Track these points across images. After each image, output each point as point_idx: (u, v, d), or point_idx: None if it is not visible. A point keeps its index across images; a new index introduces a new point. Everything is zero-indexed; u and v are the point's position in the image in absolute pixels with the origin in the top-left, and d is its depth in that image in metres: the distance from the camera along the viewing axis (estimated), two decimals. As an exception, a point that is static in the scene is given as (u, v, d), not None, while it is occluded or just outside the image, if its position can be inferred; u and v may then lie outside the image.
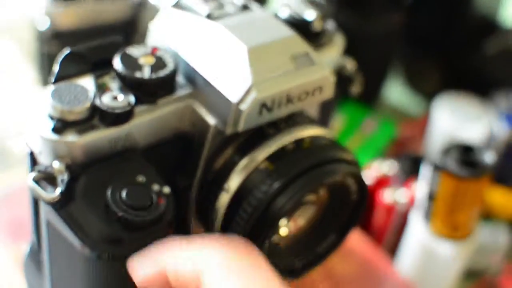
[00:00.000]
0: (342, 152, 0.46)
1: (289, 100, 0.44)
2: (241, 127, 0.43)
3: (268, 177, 0.43)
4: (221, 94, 0.43)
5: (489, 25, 0.92)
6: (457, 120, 0.81)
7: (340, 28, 0.54)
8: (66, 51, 0.45)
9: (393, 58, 0.93)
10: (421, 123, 0.89)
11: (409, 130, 0.88)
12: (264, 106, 0.43)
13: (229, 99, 0.43)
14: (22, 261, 0.52)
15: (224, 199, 0.44)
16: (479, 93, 0.85)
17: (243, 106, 0.43)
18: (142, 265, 0.41)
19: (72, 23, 0.71)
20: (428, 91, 0.93)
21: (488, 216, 0.74)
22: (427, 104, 0.92)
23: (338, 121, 0.85)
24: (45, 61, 0.73)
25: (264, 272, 0.39)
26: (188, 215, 0.47)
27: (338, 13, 0.79)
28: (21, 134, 0.77)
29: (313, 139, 0.45)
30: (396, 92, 0.97)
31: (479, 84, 0.87)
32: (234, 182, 0.44)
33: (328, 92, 0.46)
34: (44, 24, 0.71)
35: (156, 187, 0.42)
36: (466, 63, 0.90)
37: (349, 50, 0.55)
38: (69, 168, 0.42)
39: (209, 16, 0.46)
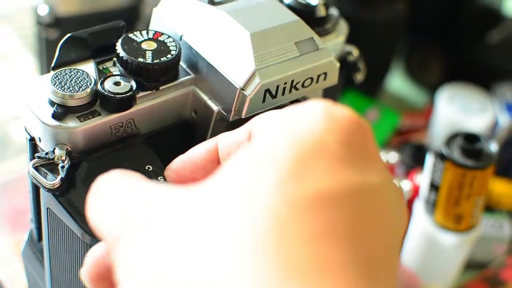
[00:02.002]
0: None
1: (293, 86, 0.44)
2: (244, 113, 0.43)
3: None
4: (225, 79, 0.43)
5: (492, 16, 0.92)
6: (460, 111, 0.80)
7: (343, 17, 0.54)
8: (67, 35, 0.44)
9: (396, 48, 0.92)
10: (424, 114, 0.89)
11: (412, 121, 0.88)
12: (268, 92, 0.43)
13: (234, 84, 0.42)
14: (21, 250, 0.51)
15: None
16: (482, 83, 0.85)
17: (247, 91, 0.42)
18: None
19: (72, 9, 0.71)
20: (431, 82, 0.92)
21: (491, 207, 0.74)
22: (430, 95, 0.92)
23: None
24: (45, 47, 0.73)
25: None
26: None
27: (341, 2, 0.78)
28: (21, 122, 0.77)
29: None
30: (399, 83, 0.96)
31: (482, 74, 0.87)
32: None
33: (333, 78, 0.46)
34: (43, 10, 0.70)
35: (158, 174, 0.41)
36: (470, 53, 0.89)
37: (352, 40, 0.54)
38: (69, 154, 0.41)
39: (212, 2, 0.45)
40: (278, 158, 0.29)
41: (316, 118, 0.31)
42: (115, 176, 0.34)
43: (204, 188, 0.30)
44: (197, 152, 0.38)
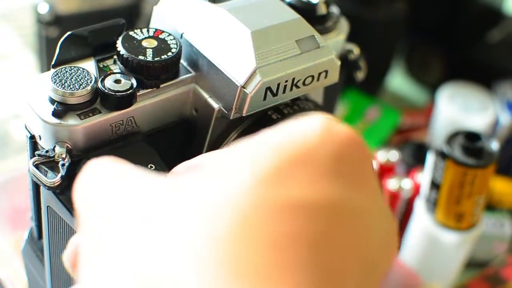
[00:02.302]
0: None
1: (294, 84, 0.44)
2: (245, 111, 0.43)
3: None
4: (226, 77, 0.42)
5: (493, 14, 0.92)
6: (461, 110, 0.80)
7: (344, 16, 0.54)
8: (67, 33, 0.44)
9: (397, 47, 0.92)
10: (425, 112, 0.89)
11: (412, 120, 0.88)
12: (269, 90, 0.43)
13: (235, 82, 0.42)
14: (21, 248, 0.51)
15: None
16: (483, 82, 0.85)
17: (248, 89, 0.42)
18: None
19: (72, 7, 0.71)
20: (431, 81, 0.92)
21: (492, 206, 0.74)
22: (430, 94, 0.92)
23: (342, 109, 0.84)
24: (45, 46, 0.73)
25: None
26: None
27: (342, 1, 0.78)
28: (21, 120, 0.77)
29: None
30: (399, 81, 0.96)
31: (483, 73, 0.87)
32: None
33: (334, 76, 0.46)
34: (43, 8, 0.70)
35: (160, 173, 0.41)
36: (470, 52, 0.89)
37: (352, 39, 0.54)
38: (70, 152, 0.41)
39: (212, 0, 0.45)
40: (261, 161, 0.28)
41: (313, 129, 0.30)
42: (105, 161, 0.33)
43: (182, 179, 0.29)
44: None
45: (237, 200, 0.27)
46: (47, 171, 0.41)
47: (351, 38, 0.54)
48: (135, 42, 0.44)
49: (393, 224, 0.31)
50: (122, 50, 0.43)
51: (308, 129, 0.30)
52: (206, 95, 0.44)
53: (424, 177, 0.65)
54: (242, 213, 0.27)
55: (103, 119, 0.42)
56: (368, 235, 0.29)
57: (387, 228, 0.30)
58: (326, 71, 0.45)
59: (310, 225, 0.27)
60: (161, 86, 0.44)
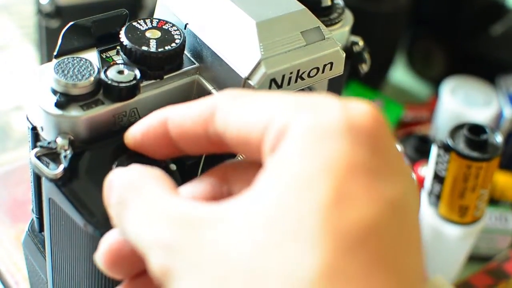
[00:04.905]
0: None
1: (299, 76, 0.43)
2: (250, 102, 0.42)
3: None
4: (231, 68, 0.42)
5: (496, 8, 0.91)
6: (464, 103, 0.80)
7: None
8: (70, 23, 0.43)
9: (399, 40, 0.92)
10: (428, 106, 0.88)
11: (415, 113, 0.87)
12: (273, 82, 0.42)
13: (239, 73, 0.42)
14: (21, 240, 0.51)
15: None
16: (486, 76, 0.84)
17: (253, 81, 0.41)
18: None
19: (74, -2, 0.70)
20: (434, 74, 0.92)
21: (496, 200, 0.73)
22: (433, 87, 0.91)
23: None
24: (45, 37, 0.72)
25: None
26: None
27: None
28: (22, 112, 0.77)
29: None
30: (402, 75, 0.96)
31: (486, 67, 0.86)
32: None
33: (339, 68, 0.45)
34: (44, -1, 0.70)
35: (162, 164, 0.40)
36: (473, 45, 0.89)
37: (355, 32, 0.54)
38: (72, 144, 0.41)
39: (217, -9, 0.45)
40: (313, 190, 0.29)
41: (339, 127, 0.30)
42: (144, 187, 0.34)
43: (240, 210, 0.30)
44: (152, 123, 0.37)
45: (314, 239, 0.28)
46: (49, 163, 0.40)
47: (354, 31, 0.54)
48: (138, 32, 0.43)
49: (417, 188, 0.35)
50: (125, 41, 0.43)
51: (334, 127, 0.31)
52: (210, 87, 0.44)
53: (427, 170, 0.65)
54: (324, 254, 0.28)
55: (106, 110, 0.41)
56: (415, 207, 0.31)
57: (417, 197, 0.33)
58: (331, 63, 0.45)
59: (383, 241, 0.29)
60: (165, 77, 0.43)
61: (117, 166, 0.39)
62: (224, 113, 0.34)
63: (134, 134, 0.38)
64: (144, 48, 0.42)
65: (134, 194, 0.34)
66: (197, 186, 0.37)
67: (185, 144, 0.36)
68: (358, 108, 0.31)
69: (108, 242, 0.35)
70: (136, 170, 0.35)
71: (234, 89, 0.37)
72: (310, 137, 0.30)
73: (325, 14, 0.50)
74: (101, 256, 0.35)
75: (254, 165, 0.35)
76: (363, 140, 0.30)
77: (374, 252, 0.28)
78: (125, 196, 0.34)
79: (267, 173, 0.31)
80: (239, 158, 0.42)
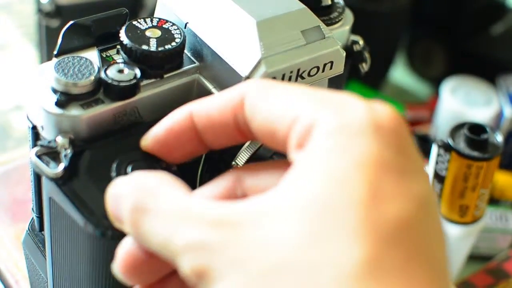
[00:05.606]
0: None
1: (299, 75, 0.43)
2: (250, 102, 0.42)
3: (275, 154, 0.42)
4: (230, 67, 0.42)
5: (496, 7, 0.91)
6: (464, 103, 0.80)
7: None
8: (70, 22, 0.43)
9: (400, 40, 0.92)
10: (428, 106, 0.88)
11: (415, 113, 0.87)
12: (274, 81, 0.42)
13: (239, 72, 0.42)
14: (22, 240, 0.51)
15: (231, 176, 0.43)
16: (486, 75, 0.84)
17: (253, 80, 0.41)
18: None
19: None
20: (434, 74, 0.92)
21: (496, 199, 0.73)
22: (433, 87, 0.91)
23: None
24: (46, 37, 0.72)
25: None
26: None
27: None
28: (22, 112, 0.77)
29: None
30: (402, 74, 0.96)
31: (486, 66, 0.86)
32: (241, 159, 0.43)
33: (339, 67, 0.45)
34: (44, -2, 0.70)
35: (162, 163, 0.40)
36: (473, 45, 0.89)
37: (355, 31, 0.54)
38: (72, 143, 0.41)
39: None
40: (348, 185, 0.30)
41: (366, 126, 0.31)
42: (161, 191, 0.34)
43: (273, 212, 0.31)
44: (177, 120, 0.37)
45: (354, 238, 0.29)
46: (49, 162, 0.40)
47: (354, 31, 0.54)
48: (138, 32, 0.43)
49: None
50: (125, 40, 0.43)
51: (360, 127, 0.31)
52: (210, 86, 0.44)
53: (428, 170, 0.64)
54: (365, 252, 0.29)
55: (106, 109, 0.41)
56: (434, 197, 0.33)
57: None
58: (332, 62, 0.44)
59: (417, 237, 0.30)
60: (165, 76, 0.43)
61: (117, 165, 0.39)
62: (252, 102, 0.34)
63: (155, 134, 0.38)
64: (144, 47, 0.42)
65: (153, 199, 0.33)
66: (211, 190, 0.37)
67: (212, 135, 0.36)
68: (382, 109, 0.32)
69: (124, 251, 0.35)
70: (146, 175, 0.35)
71: (263, 79, 0.37)
72: (338, 135, 0.31)
73: (325, 13, 0.50)
74: (119, 265, 0.35)
75: (269, 168, 0.36)
76: (389, 139, 0.31)
77: (410, 246, 0.29)
78: (143, 201, 0.33)
79: (298, 169, 0.32)
80: (233, 163, 0.42)
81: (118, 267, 0.35)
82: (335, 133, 0.31)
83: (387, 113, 0.32)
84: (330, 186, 0.30)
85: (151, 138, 0.38)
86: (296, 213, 0.30)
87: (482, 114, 0.79)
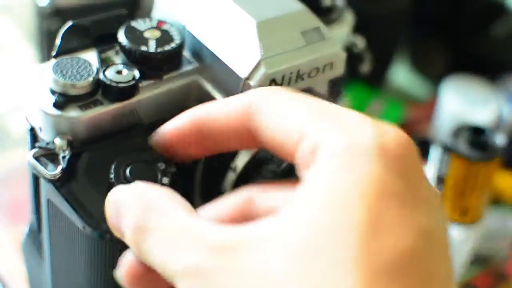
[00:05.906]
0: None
1: (299, 76, 0.43)
2: (249, 103, 0.42)
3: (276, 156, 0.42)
4: (230, 69, 0.42)
5: (497, 8, 0.91)
6: (465, 103, 0.80)
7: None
8: (69, 24, 0.43)
9: (400, 40, 0.92)
10: (428, 106, 0.88)
11: (416, 113, 0.87)
12: (273, 82, 0.42)
13: (238, 74, 0.41)
14: (21, 243, 0.51)
15: (231, 178, 0.43)
16: (486, 75, 0.84)
17: (252, 82, 0.41)
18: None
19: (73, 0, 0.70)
20: (435, 74, 0.92)
21: (496, 200, 0.73)
22: (433, 87, 0.91)
23: (344, 103, 0.84)
24: (45, 38, 0.72)
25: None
26: (194, 195, 0.46)
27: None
28: (20, 113, 0.76)
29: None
30: (403, 75, 0.96)
31: (486, 66, 0.86)
32: (241, 161, 0.43)
33: (339, 68, 0.45)
34: (44, 1, 0.70)
35: (161, 165, 0.40)
36: (474, 45, 0.89)
37: (356, 31, 0.54)
38: (71, 144, 0.40)
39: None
40: (347, 212, 0.29)
41: (373, 150, 0.30)
42: (166, 210, 0.33)
43: (270, 236, 0.30)
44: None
45: (351, 272, 0.28)
46: (47, 164, 0.40)
47: (354, 31, 0.54)
48: (137, 32, 0.43)
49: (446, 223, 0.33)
50: (124, 41, 0.42)
51: (365, 150, 0.30)
52: (209, 87, 0.44)
53: (428, 171, 0.64)
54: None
55: (105, 110, 0.41)
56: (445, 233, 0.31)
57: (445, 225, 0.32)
58: (332, 63, 0.44)
59: (419, 273, 0.29)
60: (164, 77, 0.43)
61: (115, 167, 0.39)
62: (261, 112, 0.34)
63: (163, 133, 0.38)
64: (143, 48, 0.42)
65: (156, 219, 0.33)
66: (217, 209, 0.37)
67: (218, 140, 0.36)
68: (391, 132, 0.31)
69: (127, 261, 0.34)
70: (149, 188, 0.34)
71: (271, 87, 0.37)
72: (343, 158, 0.30)
73: (325, 14, 0.50)
74: (122, 274, 0.35)
75: (282, 187, 0.36)
76: (395, 166, 0.30)
77: (411, 282, 0.28)
78: (146, 219, 0.33)
79: (301, 192, 0.31)
80: (232, 166, 0.42)
81: (121, 276, 0.35)
82: (340, 155, 0.30)
83: (395, 136, 0.31)
84: (329, 213, 0.29)
85: (158, 137, 0.38)
86: (292, 243, 0.29)
87: (482, 114, 0.78)
